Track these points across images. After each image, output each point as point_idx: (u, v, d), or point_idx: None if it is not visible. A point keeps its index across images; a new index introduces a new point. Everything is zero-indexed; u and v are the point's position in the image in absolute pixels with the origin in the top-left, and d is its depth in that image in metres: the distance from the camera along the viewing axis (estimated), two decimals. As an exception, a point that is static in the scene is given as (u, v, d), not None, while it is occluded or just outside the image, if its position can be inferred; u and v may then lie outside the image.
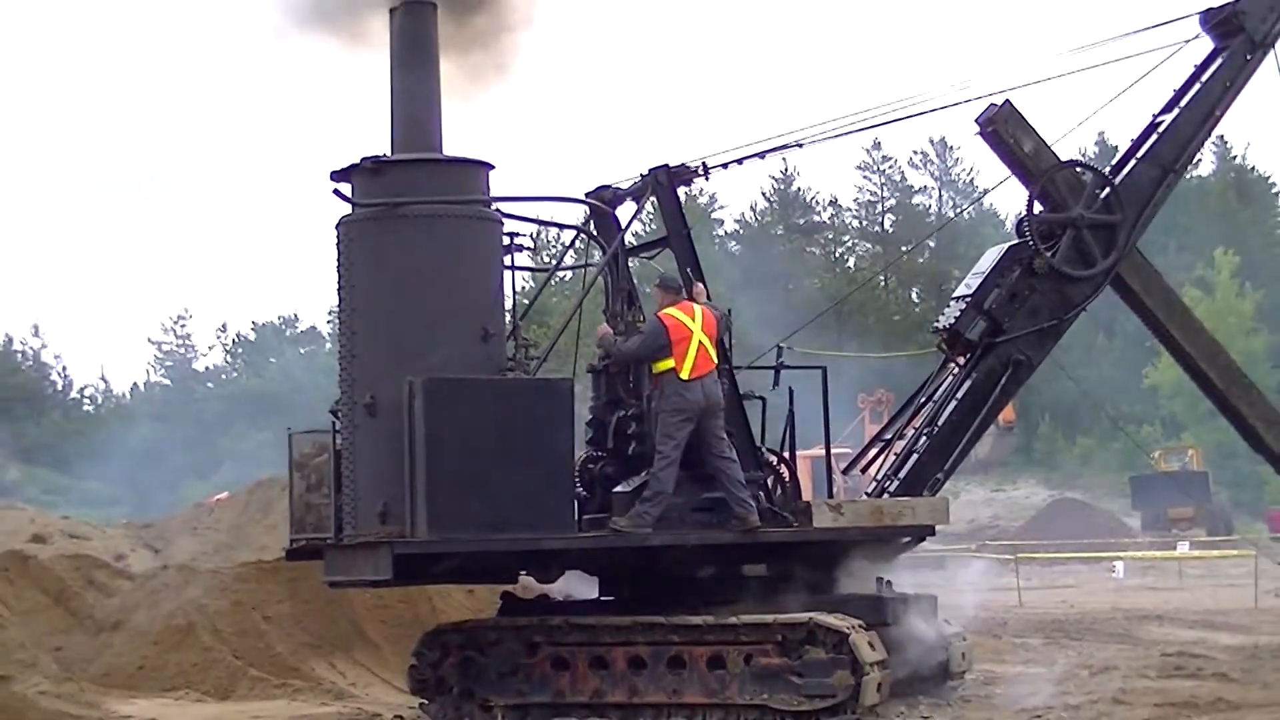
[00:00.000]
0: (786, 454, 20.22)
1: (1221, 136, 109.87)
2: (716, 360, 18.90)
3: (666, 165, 20.88)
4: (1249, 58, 22.13)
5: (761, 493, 19.81)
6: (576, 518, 18.70)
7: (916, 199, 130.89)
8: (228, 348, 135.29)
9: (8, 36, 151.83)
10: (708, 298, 20.08)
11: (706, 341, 18.76)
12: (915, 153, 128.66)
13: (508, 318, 19.25)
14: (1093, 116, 22.92)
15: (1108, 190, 21.45)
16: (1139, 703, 18.36)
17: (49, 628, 23.43)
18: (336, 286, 19.01)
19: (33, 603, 23.68)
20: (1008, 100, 21.02)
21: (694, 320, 18.80)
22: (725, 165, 21.31)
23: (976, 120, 21.08)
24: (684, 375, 18.65)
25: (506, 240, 19.22)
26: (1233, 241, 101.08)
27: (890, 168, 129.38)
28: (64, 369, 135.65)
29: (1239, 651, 24.55)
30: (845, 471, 22.64)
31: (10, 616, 22.80)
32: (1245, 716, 16.93)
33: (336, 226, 18.96)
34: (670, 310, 18.91)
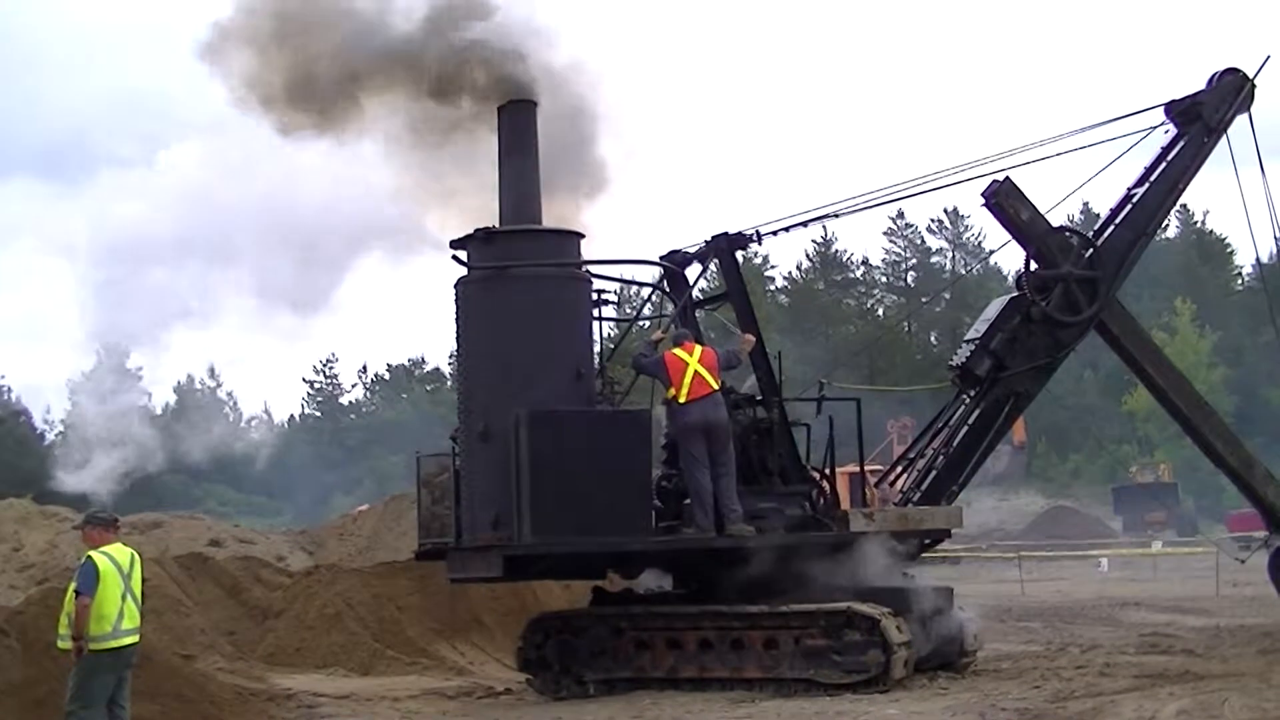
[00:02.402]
0: (827, 470, 20.15)
1: (1185, 205, 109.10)
2: (716, 386, 18.82)
3: (727, 233, 20.95)
4: (1206, 140, 22.02)
5: (807, 502, 19.76)
6: (654, 525, 18.66)
7: (934, 259, 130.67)
8: (368, 385, 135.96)
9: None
10: (760, 343, 20.05)
11: (704, 371, 18.71)
12: (933, 220, 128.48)
13: (596, 360, 19.27)
14: (1078, 189, 22.83)
15: (1091, 251, 21.33)
16: (1120, 674, 18.17)
17: (224, 616, 23.52)
18: (455, 335, 19.10)
19: (210, 595, 23.78)
20: (1008, 177, 20.91)
21: (691, 355, 18.78)
22: (775, 232, 21.38)
23: (982, 194, 20.96)
24: (681, 399, 18.64)
25: (595, 296, 19.27)
26: (1194, 292, 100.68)
27: (912, 233, 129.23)
28: (235, 403, 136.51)
29: (1203, 631, 24.32)
30: (877, 485, 22.49)
31: (192, 607, 22.93)
32: (1209, 685, 16.73)
33: (455, 285, 19.06)
34: (674, 350, 18.94)
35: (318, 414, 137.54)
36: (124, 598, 13.86)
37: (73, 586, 13.78)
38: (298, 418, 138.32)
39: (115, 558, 13.92)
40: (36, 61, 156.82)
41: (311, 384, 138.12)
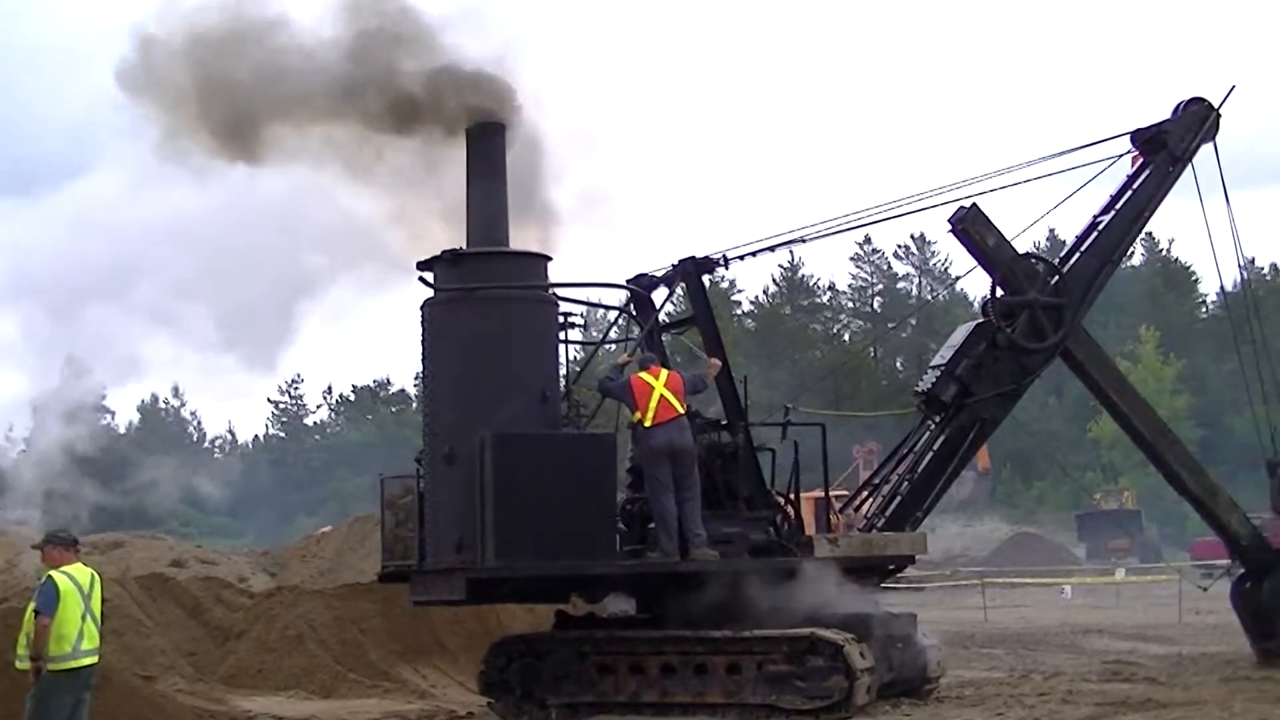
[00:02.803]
0: (792, 495, 20.16)
1: (1150, 233, 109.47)
2: (682, 410, 18.82)
3: (694, 257, 20.96)
4: (1171, 169, 22.18)
5: (772, 527, 19.76)
6: (618, 549, 18.65)
7: (900, 284, 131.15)
8: (332, 406, 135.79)
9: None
10: (726, 368, 20.07)
11: (669, 395, 18.71)
12: (899, 246, 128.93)
13: (562, 383, 19.26)
14: (1045, 216, 22.91)
15: (1057, 278, 21.40)
16: (1083, 701, 18.20)
17: (185, 636, 23.41)
18: (421, 356, 19.07)
19: (172, 616, 23.68)
20: (975, 203, 20.98)
21: (657, 380, 18.78)
22: (742, 256, 21.38)
23: (949, 220, 21.03)
24: (647, 423, 18.63)
25: (561, 319, 19.26)
26: (1159, 320, 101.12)
27: (879, 258, 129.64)
28: (199, 423, 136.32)
29: (1166, 659, 24.38)
30: (842, 511, 22.50)
31: (153, 627, 22.82)
32: (1171, 712, 16.78)
33: (421, 307, 19.04)
34: (640, 373, 18.94)
35: (282, 435, 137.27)
36: (84, 618, 13.80)
37: (32, 606, 13.71)
38: (261, 438, 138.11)
39: (75, 578, 13.86)
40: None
41: (276, 404, 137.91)
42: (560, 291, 19.40)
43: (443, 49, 19.73)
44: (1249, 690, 18.76)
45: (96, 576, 14.23)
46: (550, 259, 19.34)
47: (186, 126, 19.59)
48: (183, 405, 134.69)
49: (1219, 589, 25.19)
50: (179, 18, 19.61)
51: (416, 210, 20.08)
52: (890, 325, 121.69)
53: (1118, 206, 22.13)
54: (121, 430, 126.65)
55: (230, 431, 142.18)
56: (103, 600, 14.23)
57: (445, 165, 19.82)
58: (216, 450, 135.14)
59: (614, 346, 22.33)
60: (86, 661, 13.86)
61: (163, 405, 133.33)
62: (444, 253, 18.84)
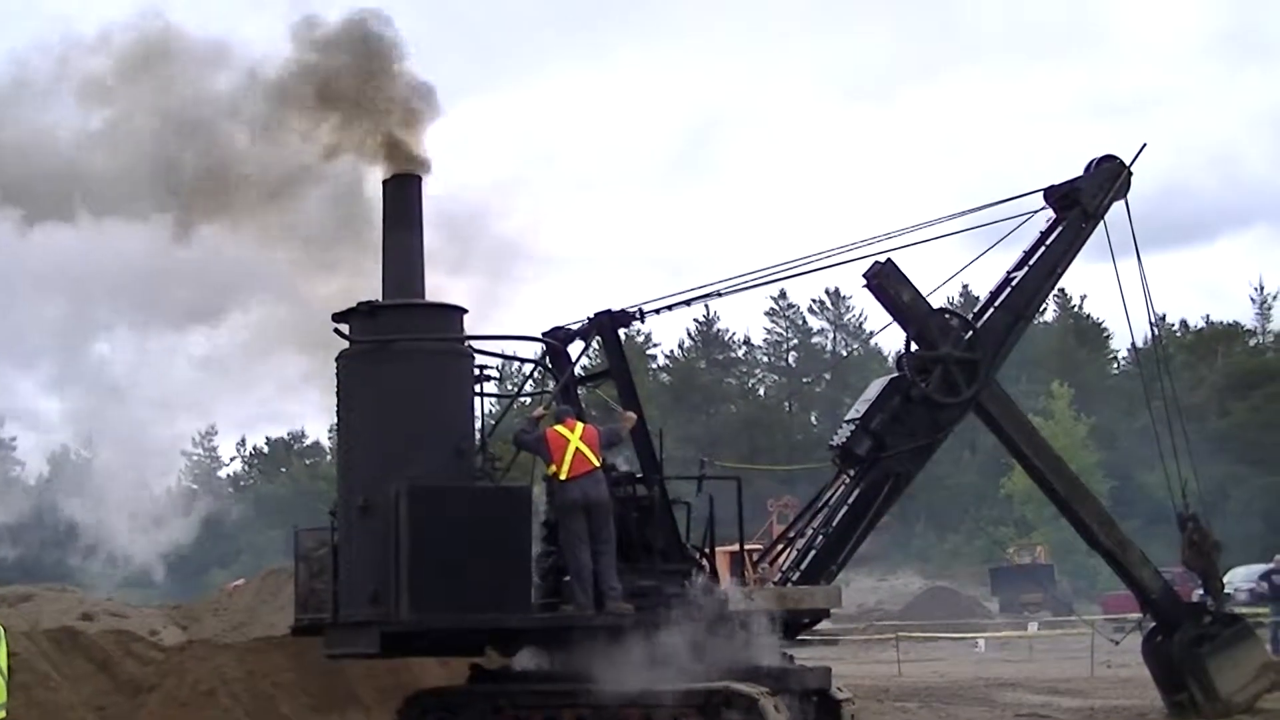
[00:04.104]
0: (707, 549, 20.14)
1: (1062, 289, 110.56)
2: (597, 463, 18.81)
3: (609, 310, 20.95)
4: (1084, 226, 22.41)
5: (687, 580, 19.73)
6: (533, 602, 18.58)
7: (815, 339, 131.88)
8: (246, 459, 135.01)
9: None
10: (641, 421, 20.07)
11: (584, 449, 18.70)
12: (814, 301, 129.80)
13: (478, 436, 19.21)
14: (959, 272, 23.10)
15: (970, 333, 21.55)
16: (998, 756, 18.27)
17: (94, 691, 23.10)
18: (336, 408, 18.98)
19: (81, 670, 23.35)
20: (890, 258, 21.12)
21: (573, 432, 18.78)
22: (657, 310, 21.38)
23: (864, 275, 21.15)
24: (562, 476, 18.62)
25: (477, 371, 19.22)
26: (1071, 375, 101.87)
27: (794, 313, 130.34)
28: (111, 475, 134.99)
29: (1078, 712, 24.50)
30: (757, 564, 22.51)
31: (61, 681, 22.55)
32: (1084, 767, 16.87)
33: (337, 359, 18.95)
34: (556, 427, 18.94)
35: (194, 486, 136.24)
36: (-9, 673, 13.60)
37: None
38: (174, 490, 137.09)
39: (-18, 632, 13.66)
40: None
41: (189, 455, 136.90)
42: (476, 344, 19.37)
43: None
44: (1160, 743, 18.88)
45: (3, 630, 14.04)
46: (465, 311, 19.31)
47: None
48: (94, 456, 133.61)
49: (1131, 643, 25.36)
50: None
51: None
52: (805, 380, 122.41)
53: (1031, 263, 22.34)
54: (31, 482, 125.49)
55: (144, 484, 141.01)
56: (10, 654, 14.02)
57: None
58: (129, 501, 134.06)
59: (529, 399, 22.30)
60: (-7, 717, 13.67)
61: (74, 457, 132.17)
62: (360, 304, 18.78)
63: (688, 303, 21.74)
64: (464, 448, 18.62)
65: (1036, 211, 22.36)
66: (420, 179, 19.39)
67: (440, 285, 19.56)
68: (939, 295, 22.06)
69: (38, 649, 23.00)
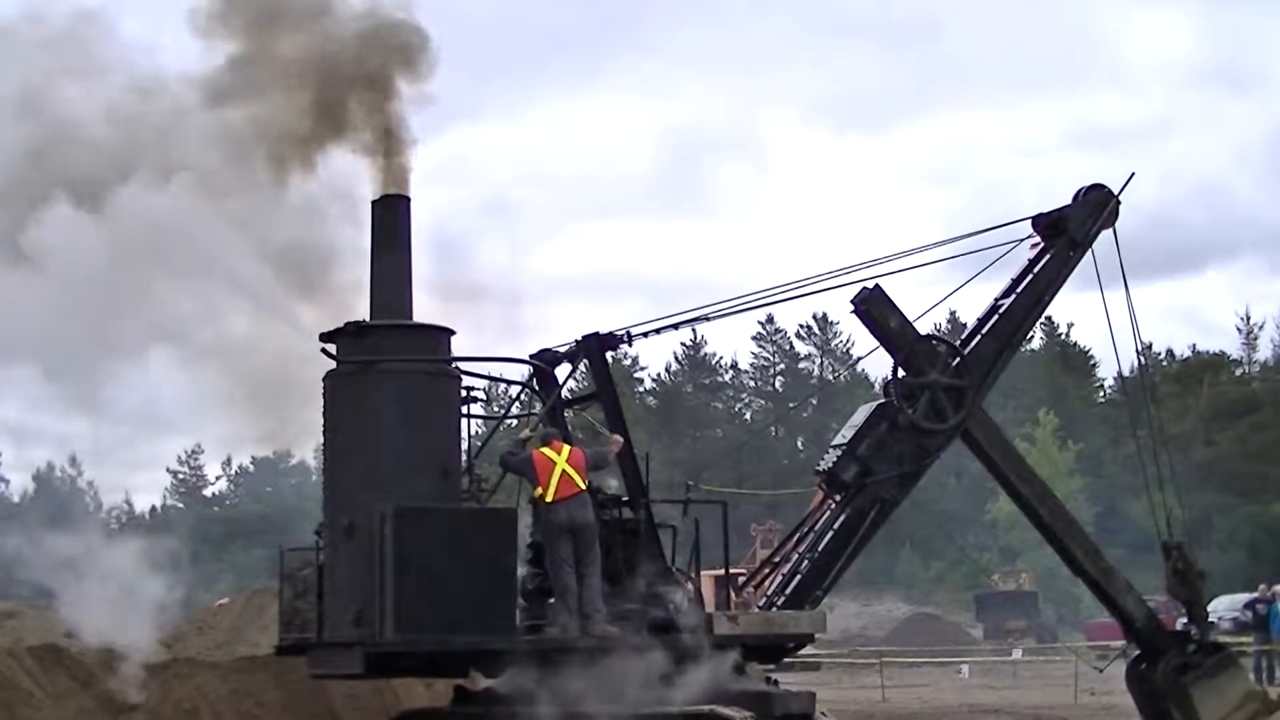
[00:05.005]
0: (693, 573, 20.14)
1: (1050, 317, 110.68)
2: (583, 486, 18.84)
3: (597, 333, 20.98)
4: (1071, 254, 22.42)
5: (672, 604, 19.72)
6: (518, 624, 18.57)
7: (802, 364, 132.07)
8: (232, 478, 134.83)
9: None
10: (628, 443, 20.07)
11: (571, 471, 18.74)
12: (801, 326, 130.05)
13: (464, 458, 19.20)
14: (946, 299, 23.11)
15: (958, 360, 21.56)
16: (981, 782, 18.27)
17: (77, 709, 23.01)
18: (322, 429, 18.95)
19: (64, 688, 23.28)
20: (877, 284, 21.11)
21: (559, 455, 18.82)
22: (645, 334, 21.41)
23: (852, 300, 21.14)
24: (549, 498, 18.67)
25: (464, 393, 19.21)
26: (1058, 403, 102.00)
27: (781, 338, 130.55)
28: (95, 493, 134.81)
29: (1062, 741, 24.50)
30: (741, 589, 22.50)
31: (44, 699, 22.49)
32: (1067, 795, 16.87)
33: (324, 379, 18.93)
34: (542, 449, 18.97)
35: (180, 505, 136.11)
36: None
37: None
38: (159, 509, 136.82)
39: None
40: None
41: (175, 474, 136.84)
42: (463, 365, 19.37)
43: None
44: (1143, 771, 18.88)
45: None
46: (453, 333, 19.30)
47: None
48: (79, 475, 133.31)
49: (1114, 670, 25.37)
50: None
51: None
52: (791, 405, 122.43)
53: (1018, 290, 22.35)
54: (15, 499, 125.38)
55: (127, 502, 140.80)
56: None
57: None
58: (113, 522, 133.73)
59: (516, 422, 22.30)
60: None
61: (58, 474, 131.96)
62: (347, 324, 18.75)
63: (675, 326, 21.77)
64: (450, 469, 18.61)
65: (1024, 239, 22.38)
66: (408, 200, 19.37)
67: (427, 306, 19.57)
68: (926, 321, 22.09)
69: (20, 666, 22.93)
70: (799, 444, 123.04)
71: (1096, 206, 22.58)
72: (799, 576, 20.88)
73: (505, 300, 20.44)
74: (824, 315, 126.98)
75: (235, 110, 19.29)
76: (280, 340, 19.19)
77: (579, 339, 21.01)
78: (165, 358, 20.09)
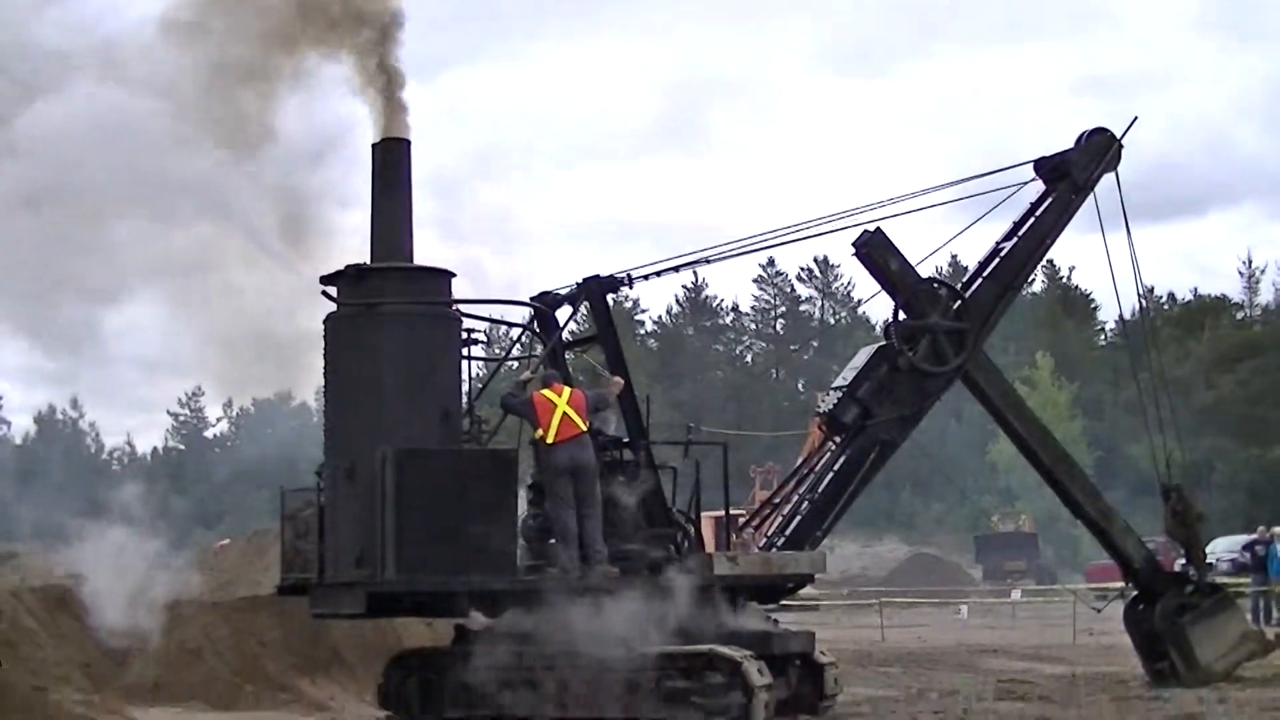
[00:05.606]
0: (693, 514, 20.20)
1: (1051, 260, 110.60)
2: (584, 428, 18.89)
3: (598, 275, 20.98)
4: (1073, 198, 22.39)
5: (672, 545, 19.79)
6: (518, 565, 18.65)
7: (803, 307, 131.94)
8: (233, 420, 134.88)
9: None
10: (629, 386, 20.12)
11: (571, 413, 18.79)
12: (802, 269, 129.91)
13: (465, 400, 19.24)
14: (948, 242, 23.13)
15: (959, 303, 21.58)
16: (978, 721, 18.37)
17: (80, 649, 23.16)
18: (323, 371, 18.98)
19: (67, 628, 23.40)
20: (879, 227, 21.12)
21: (560, 397, 18.87)
22: (646, 276, 21.42)
23: (853, 243, 21.16)
24: (549, 440, 18.72)
25: (465, 335, 19.24)
26: (1058, 346, 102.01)
27: (782, 281, 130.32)
28: (97, 434, 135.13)
29: (1060, 679, 24.59)
30: (740, 530, 22.58)
31: (47, 638, 22.58)
32: (1064, 734, 16.97)
33: (324, 321, 18.94)
34: (543, 391, 19.02)
35: (181, 447, 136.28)
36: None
37: None
38: (160, 451, 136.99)
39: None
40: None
41: (176, 416, 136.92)
42: (464, 308, 19.38)
43: None
44: (1140, 710, 18.98)
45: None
46: (454, 275, 19.31)
47: None
48: (81, 416, 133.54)
49: (1113, 611, 25.45)
50: None
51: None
52: (792, 347, 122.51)
53: (1020, 234, 22.34)
54: (18, 441, 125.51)
55: (129, 444, 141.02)
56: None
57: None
58: (114, 463, 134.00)
59: (517, 364, 22.33)
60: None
61: (60, 417, 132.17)
62: (347, 267, 18.76)
63: (676, 269, 21.79)
64: (451, 411, 18.65)
65: (1027, 183, 22.36)
66: (409, 143, 19.36)
67: (429, 250, 19.58)
68: (928, 265, 22.13)
69: (24, 606, 23.03)
70: (799, 386, 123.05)
71: (1099, 150, 22.54)
72: (799, 518, 20.93)
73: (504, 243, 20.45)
74: (825, 258, 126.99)
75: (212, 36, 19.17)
76: (276, 280, 19.23)
77: (580, 281, 21.02)
78: (158, 297, 20.16)
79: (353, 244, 19.37)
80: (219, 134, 18.94)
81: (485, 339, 20.40)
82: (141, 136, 18.29)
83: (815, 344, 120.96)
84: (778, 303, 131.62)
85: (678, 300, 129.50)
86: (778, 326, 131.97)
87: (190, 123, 18.70)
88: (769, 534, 21.26)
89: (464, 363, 19.20)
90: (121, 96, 18.47)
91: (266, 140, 19.30)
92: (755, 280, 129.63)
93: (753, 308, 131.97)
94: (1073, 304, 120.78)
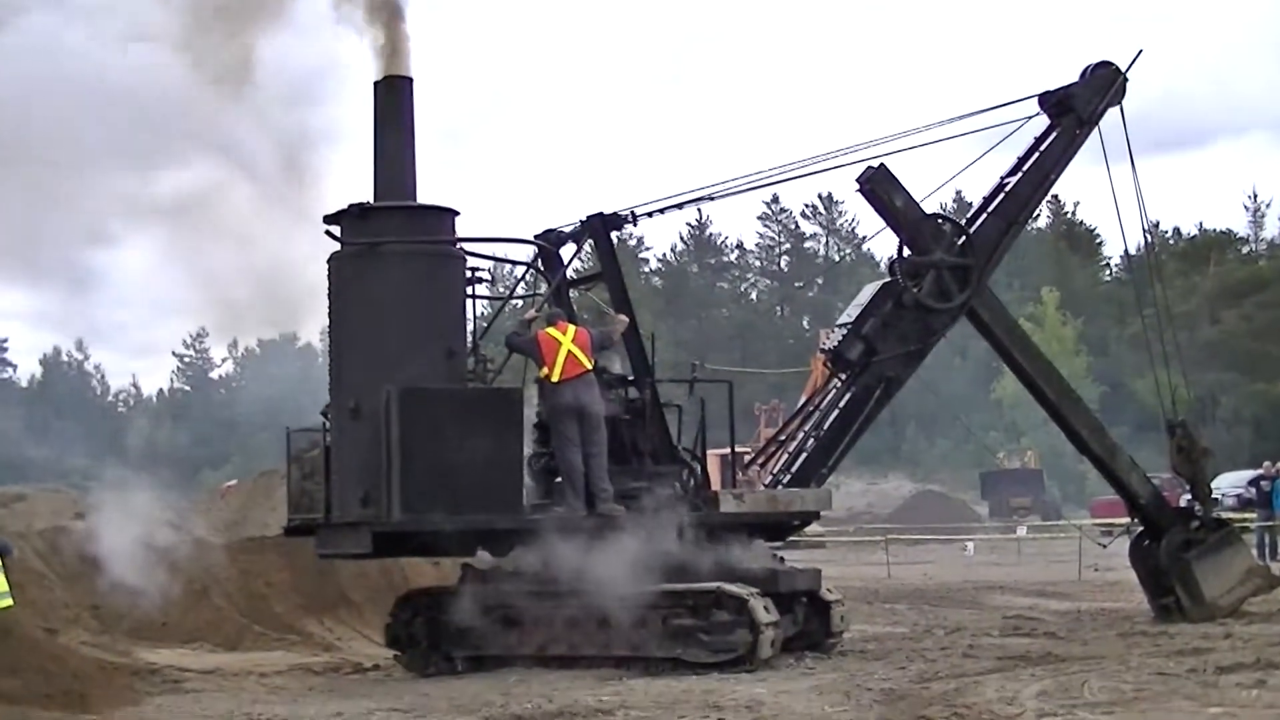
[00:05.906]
0: (699, 452, 20.21)
1: (1056, 195, 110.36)
2: (589, 366, 18.88)
3: (602, 213, 20.93)
4: (1078, 132, 22.28)
5: (678, 483, 19.79)
6: (524, 503, 18.67)
7: (808, 244, 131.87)
8: (238, 360, 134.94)
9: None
10: (633, 324, 20.10)
11: (577, 351, 18.76)
12: (807, 205, 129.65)
13: (469, 338, 19.22)
14: (953, 178, 23.05)
15: (963, 239, 21.52)
16: (984, 656, 18.37)
17: (88, 589, 23.23)
18: (327, 311, 18.94)
19: (74, 569, 23.48)
20: (883, 163, 21.03)
21: (565, 335, 18.83)
22: (650, 214, 21.35)
23: (857, 180, 21.07)
24: (554, 378, 18.71)
25: (468, 274, 19.19)
26: (1063, 282, 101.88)
27: (786, 217, 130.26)
28: (103, 376, 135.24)
29: (1065, 615, 24.64)
30: (746, 467, 22.59)
31: (56, 580, 22.66)
32: (1069, 667, 16.94)
33: (328, 261, 18.89)
34: (547, 329, 18.98)
35: (187, 388, 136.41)
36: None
37: None
38: (166, 392, 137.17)
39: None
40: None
41: (181, 358, 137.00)
42: (468, 246, 19.33)
43: None
44: (1145, 645, 18.99)
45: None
46: (458, 213, 19.26)
47: None
48: (86, 359, 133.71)
49: (1118, 547, 25.48)
50: None
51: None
52: (797, 284, 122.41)
53: (1025, 169, 22.25)
54: (23, 384, 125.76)
55: (134, 385, 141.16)
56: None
57: None
58: (120, 405, 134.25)
59: (521, 302, 22.29)
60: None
61: (65, 359, 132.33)
62: (350, 206, 18.71)
63: (680, 206, 21.71)
64: (455, 350, 18.62)
65: (1031, 117, 22.24)
66: (411, 80, 19.27)
67: (431, 187, 19.51)
68: (932, 201, 22.07)
69: (31, 548, 23.10)
70: (804, 324, 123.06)
71: (1104, 84, 22.43)
72: (804, 455, 20.95)
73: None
74: (829, 195, 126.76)
75: None
76: (276, 219, 19.19)
77: (584, 219, 20.98)
78: (158, 239, 20.13)
79: (353, 184, 19.34)
80: (215, 71, 18.85)
81: (490, 277, 20.36)
82: (138, 72, 18.21)
83: (820, 281, 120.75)
84: (782, 240, 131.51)
85: (682, 238, 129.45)
86: (782, 264, 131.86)
87: (187, 60, 18.62)
88: (774, 471, 21.27)
89: (468, 301, 19.17)
90: (119, 26, 18.42)
91: (255, 76, 19.19)
92: (760, 218, 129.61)
93: (757, 245, 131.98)
94: (1077, 239, 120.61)
